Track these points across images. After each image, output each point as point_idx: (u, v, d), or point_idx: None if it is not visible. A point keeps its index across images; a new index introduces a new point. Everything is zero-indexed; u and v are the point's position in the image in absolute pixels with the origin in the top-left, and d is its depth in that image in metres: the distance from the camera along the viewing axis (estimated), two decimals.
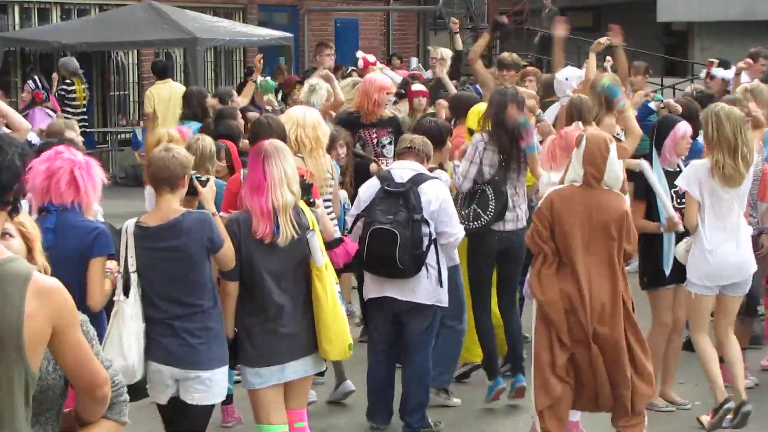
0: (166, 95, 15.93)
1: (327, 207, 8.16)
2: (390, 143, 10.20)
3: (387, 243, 7.67)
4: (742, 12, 31.15)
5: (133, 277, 6.27)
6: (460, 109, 10.05)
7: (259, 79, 13.18)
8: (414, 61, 22.41)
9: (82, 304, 5.41)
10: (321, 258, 6.72)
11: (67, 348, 3.72)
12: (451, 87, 12.81)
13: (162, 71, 17.01)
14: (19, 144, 3.74)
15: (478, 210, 8.42)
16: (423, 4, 28.86)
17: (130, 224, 6.36)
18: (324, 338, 6.72)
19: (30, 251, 4.13)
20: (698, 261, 7.98)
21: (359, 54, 14.12)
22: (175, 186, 6.31)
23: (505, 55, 12.52)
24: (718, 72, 12.23)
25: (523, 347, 8.82)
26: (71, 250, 6.20)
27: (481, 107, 9.14)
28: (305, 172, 7.34)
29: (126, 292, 6.27)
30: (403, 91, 12.06)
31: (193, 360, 6.29)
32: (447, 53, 14.15)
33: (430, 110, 10.92)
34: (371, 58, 13.59)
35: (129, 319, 6.23)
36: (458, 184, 8.53)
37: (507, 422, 8.65)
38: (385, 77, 11.41)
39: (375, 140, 10.22)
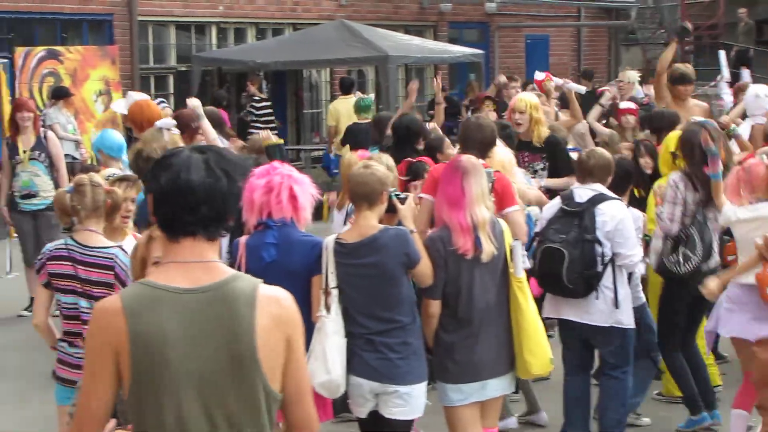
0: (346, 110, 16.18)
1: None
2: (543, 169, 9.99)
3: (555, 261, 7.61)
4: None
5: (334, 293, 6.33)
6: (660, 126, 10.01)
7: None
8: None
9: (307, 320, 5.32)
10: (521, 269, 6.73)
11: (293, 368, 3.64)
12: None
13: (348, 87, 17.27)
14: (244, 164, 3.75)
15: (687, 252, 8.25)
16: (614, 19, 28.54)
17: (330, 241, 6.42)
18: (526, 350, 6.69)
19: None
20: None
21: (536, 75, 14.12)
22: (374, 202, 6.36)
23: (680, 66, 12.09)
24: None
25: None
26: (297, 265, 6.32)
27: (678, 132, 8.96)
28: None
29: (327, 308, 6.33)
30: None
31: (392, 375, 6.31)
32: (634, 77, 14.09)
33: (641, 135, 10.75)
34: (540, 76, 13.54)
35: (332, 333, 6.30)
36: (666, 229, 8.35)
37: None
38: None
39: (527, 163, 10.01)
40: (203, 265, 3.57)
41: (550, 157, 10.07)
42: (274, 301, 3.59)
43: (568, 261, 7.58)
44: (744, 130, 10.67)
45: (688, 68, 11.96)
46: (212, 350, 3.50)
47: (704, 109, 11.67)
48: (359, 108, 15.28)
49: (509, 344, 6.72)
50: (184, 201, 3.53)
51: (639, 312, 8.12)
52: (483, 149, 7.88)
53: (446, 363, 6.66)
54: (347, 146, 13.09)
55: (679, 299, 8.49)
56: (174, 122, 9.71)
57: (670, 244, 8.34)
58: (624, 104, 11.82)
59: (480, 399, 6.69)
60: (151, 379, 3.49)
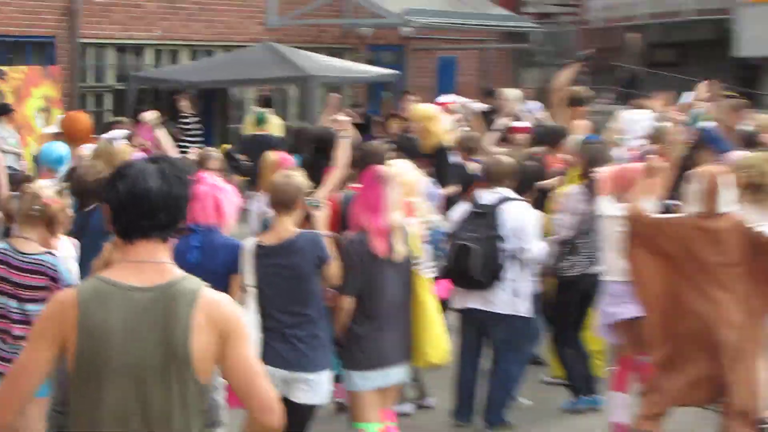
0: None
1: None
2: (431, 175, 9.85)
3: (465, 256, 7.83)
4: None
5: (251, 291, 6.40)
6: (550, 140, 10.26)
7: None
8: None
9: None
10: (425, 269, 6.95)
11: (234, 362, 3.63)
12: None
13: (266, 103, 17.36)
14: (190, 171, 3.78)
15: (576, 258, 8.53)
16: (517, 42, 28.64)
17: (249, 243, 6.52)
18: (427, 342, 6.83)
19: None
20: None
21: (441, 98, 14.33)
22: (291, 208, 6.48)
23: (577, 89, 12.14)
24: None
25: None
26: (219, 266, 6.41)
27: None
28: None
29: (246, 305, 6.37)
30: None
31: (300, 363, 6.39)
32: (514, 94, 14.56)
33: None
34: (445, 99, 13.86)
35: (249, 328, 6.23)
36: (559, 234, 8.59)
37: (583, 421, 8.65)
38: None
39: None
40: (156, 265, 3.62)
41: (437, 164, 10.25)
42: (213, 303, 3.61)
43: (476, 255, 7.83)
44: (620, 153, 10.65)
45: (583, 91, 12.00)
46: (151, 345, 3.53)
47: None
48: (257, 121, 15.80)
49: (409, 335, 6.83)
50: (143, 208, 3.58)
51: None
52: None
53: (355, 352, 6.75)
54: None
55: (570, 298, 8.68)
56: (124, 133, 9.65)
57: (562, 249, 8.55)
58: (518, 124, 11.91)
59: (382, 385, 6.80)
60: (93, 369, 3.53)
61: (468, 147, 10.24)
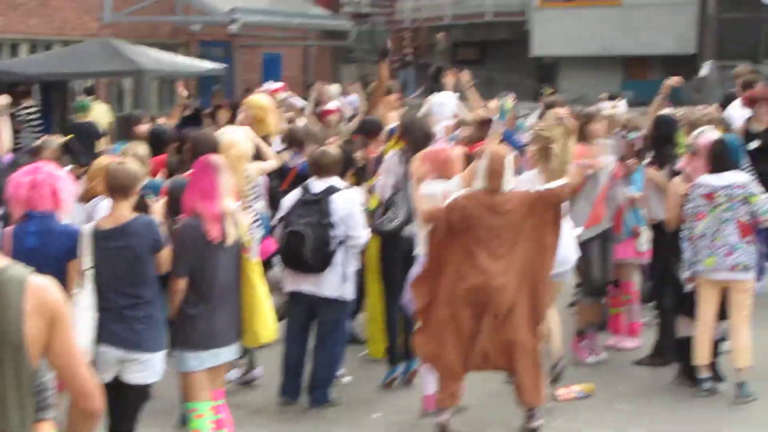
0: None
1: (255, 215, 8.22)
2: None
3: (298, 242, 7.76)
4: (600, 49, 31.65)
5: (89, 273, 6.22)
6: (369, 130, 10.37)
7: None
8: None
9: None
10: (255, 254, 6.81)
11: (58, 347, 3.49)
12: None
13: (89, 93, 17.22)
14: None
15: (392, 214, 8.44)
16: (336, 40, 28.91)
17: (87, 227, 6.34)
18: (257, 322, 6.72)
19: None
20: None
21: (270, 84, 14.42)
22: (127, 194, 6.32)
23: (389, 83, 12.62)
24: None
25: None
26: (56, 251, 6.17)
27: None
28: None
29: (81, 285, 6.21)
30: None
31: (136, 343, 6.24)
32: (331, 90, 14.92)
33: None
34: (273, 85, 13.93)
35: (83, 309, 6.19)
36: (380, 194, 8.60)
37: (402, 397, 8.62)
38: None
39: None
40: None
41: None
42: (41, 289, 3.44)
43: (309, 241, 7.75)
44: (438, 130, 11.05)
45: (394, 83, 12.37)
46: None
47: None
48: (78, 109, 15.48)
49: (239, 318, 6.73)
50: None
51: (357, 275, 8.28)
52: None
53: (188, 333, 6.59)
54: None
55: (393, 254, 8.61)
56: None
57: (381, 208, 8.56)
58: (328, 106, 12.28)
59: (213, 365, 6.67)
60: None
61: (295, 139, 10.21)
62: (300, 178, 8.89)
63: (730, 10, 30.04)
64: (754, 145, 11.07)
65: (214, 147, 7.97)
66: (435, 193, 7.76)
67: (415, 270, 7.79)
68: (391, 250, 8.62)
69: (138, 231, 6.27)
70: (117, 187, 6.32)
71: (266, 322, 6.76)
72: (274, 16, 23.38)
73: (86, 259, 6.23)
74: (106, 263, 6.23)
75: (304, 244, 7.74)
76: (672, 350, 8.93)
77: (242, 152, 8.43)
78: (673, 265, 8.52)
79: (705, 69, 27.09)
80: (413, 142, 8.56)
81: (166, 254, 6.40)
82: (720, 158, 8.21)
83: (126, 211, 6.32)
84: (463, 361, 7.36)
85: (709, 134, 8.50)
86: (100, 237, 6.26)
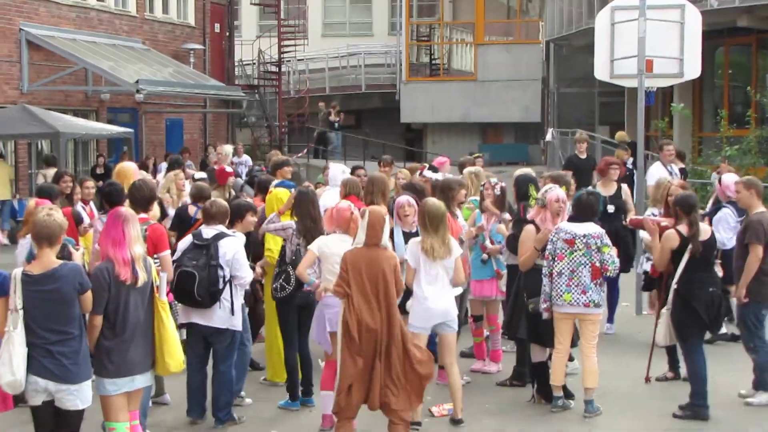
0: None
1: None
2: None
3: (189, 281, 7.84)
4: (460, 116, 32.30)
5: (20, 313, 6.15)
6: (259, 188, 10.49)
7: None
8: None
9: None
10: (165, 294, 6.78)
11: None
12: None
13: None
14: None
15: (283, 283, 8.48)
16: (231, 107, 28.89)
17: (18, 272, 6.26)
18: (167, 354, 6.69)
19: None
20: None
21: None
22: (54, 242, 6.26)
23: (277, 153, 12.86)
24: (427, 173, 11.82)
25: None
26: None
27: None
28: None
29: (15, 324, 6.14)
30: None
31: (65, 376, 6.21)
32: (228, 150, 14.92)
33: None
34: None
35: (18, 344, 6.13)
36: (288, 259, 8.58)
37: (302, 417, 8.64)
38: None
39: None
40: None
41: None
42: None
43: (198, 280, 7.83)
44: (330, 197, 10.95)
45: (283, 154, 12.58)
46: None
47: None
48: None
49: (153, 349, 6.71)
50: None
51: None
52: (146, 204, 8.22)
53: (105, 363, 6.55)
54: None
55: (287, 313, 8.63)
56: None
57: (275, 274, 8.61)
58: (227, 169, 12.61)
59: (129, 390, 6.64)
60: None
61: (201, 196, 10.20)
62: None
63: (568, 86, 31.00)
64: (611, 209, 11.27)
65: (122, 199, 8.04)
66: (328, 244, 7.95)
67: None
68: (285, 309, 8.66)
69: (65, 276, 6.21)
70: (44, 236, 6.24)
71: (175, 354, 6.73)
72: (175, 86, 23.31)
73: (18, 300, 6.15)
74: (37, 304, 6.16)
75: (193, 283, 7.82)
76: (528, 373, 9.11)
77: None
78: (525, 300, 8.70)
79: (549, 135, 27.85)
80: (304, 217, 8.59)
81: (89, 296, 6.34)
82: (583, 210, 8.43)
83: (52, 258, 6.26)
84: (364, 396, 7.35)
85: (555, 190, 8.74)
86: (30, 282, 6.18)
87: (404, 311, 8.03)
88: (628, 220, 10.89)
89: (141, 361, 6.62)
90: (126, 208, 6.93)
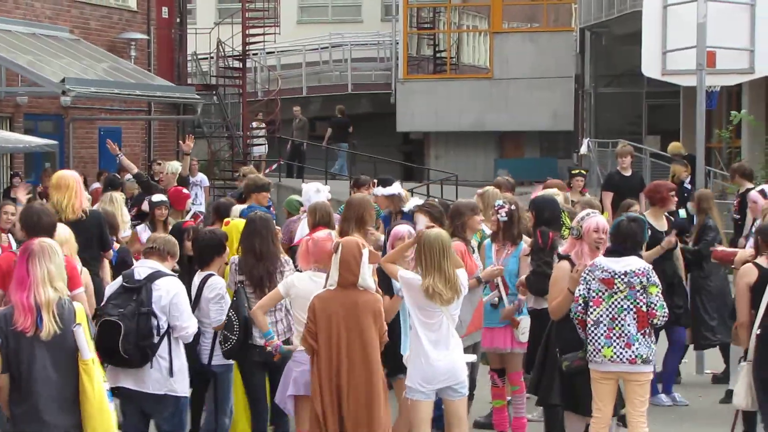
0: None
1: None
2: None
3: (112, 333, 7.64)
4: (471, 123, 32.27)
5: None
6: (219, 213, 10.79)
7: None
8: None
9: None
10: (88, 352, 6.61)
11: None
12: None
13: None
14: None
15: (227, 333, 8.57)
16: (182, 113, 28.84)
17: None
18: (90, 428, 6.58)
19: None
20: None
21: None
22: None
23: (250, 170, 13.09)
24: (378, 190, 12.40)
25: None
26: None
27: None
28: None
29: None
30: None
31: None
32: (176, 167, 14.85)
33: None
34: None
35: None
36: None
37: None
38: None
39: None
40: None
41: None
42: None
43: (123, 332, 7.64)
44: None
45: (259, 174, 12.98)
46: None
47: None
48: None
49: (78, 422, 6.59)
50: None
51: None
52: (50, 231, 7.98)
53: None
54: None
55: (250, 374, 8.79)
56: None
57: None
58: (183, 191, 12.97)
59: None
60: None
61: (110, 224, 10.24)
62: None
63: (608, 85, 31.04)
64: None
65: (46, 230, 7.88)
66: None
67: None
68: (247, 364, 8.75)
69: None
70: None
71: (101, 427, 6.61)
72: (112, 87, 23.26)
73: None
74: None
75: (118, 336, 7.63)
76: None
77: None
78: (556, 356, 8.59)
79: (584, 147, 27.87)
80: (247, 251, 8.75)
81: None
82: (623, 240, 8.33)
83: None
84: None
85: (595, 217, 8.67)
86: None
87: (402, 369, 8.05)
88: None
89: (61, 428, 6.52)
90: (45, 239, 6.85)
